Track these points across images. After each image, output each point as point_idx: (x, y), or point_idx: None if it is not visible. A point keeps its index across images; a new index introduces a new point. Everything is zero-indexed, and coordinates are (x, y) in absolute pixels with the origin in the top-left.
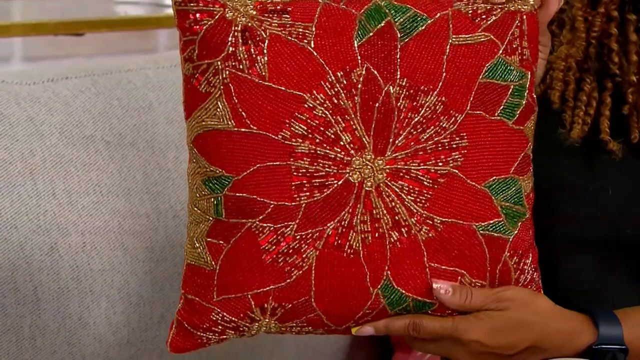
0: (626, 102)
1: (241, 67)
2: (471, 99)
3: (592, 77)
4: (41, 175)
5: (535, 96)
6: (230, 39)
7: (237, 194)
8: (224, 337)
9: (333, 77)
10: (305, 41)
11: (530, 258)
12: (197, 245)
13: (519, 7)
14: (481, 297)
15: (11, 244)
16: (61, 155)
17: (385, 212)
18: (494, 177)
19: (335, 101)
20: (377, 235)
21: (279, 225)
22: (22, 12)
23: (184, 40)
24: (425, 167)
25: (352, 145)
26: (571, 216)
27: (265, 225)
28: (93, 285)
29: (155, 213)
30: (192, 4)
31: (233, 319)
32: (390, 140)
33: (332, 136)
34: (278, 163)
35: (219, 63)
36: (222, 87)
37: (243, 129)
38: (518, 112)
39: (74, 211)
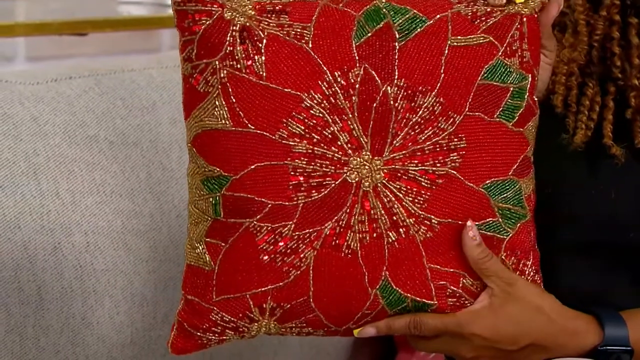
0: (629, 105)
1: (239, 66)
2: (470, 100)
3: (594, 82)
4: (45, 175)
5: (536, 99)
6: (228, 38)
7: (235, 194)
8: (224, 337)
9: (331, 77)
10: (303, 41)
11: (531, 260)
12: (197, 245)
13: (520, 9)
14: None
15: (15, 244)
16: (65, 155)
17: (383, 212)
18: (492, 179)
19: (333, 101)
20: (375, 235)
21: (277, 225)
22: (26, 12)
23: (183, 40)
24: (423, 167)
25: (349, 145)
26: (573, 220)
27: (262, 225)
28: (96, 285)
29: (158, 213)
30: (190, 4)
31: (232, 319)
32: (388, 140)
33: (330, 136)
34: (275, 162)
35: (217, 62)
36: (219, 86)
37: (240, 129)
38: (518, 114)
39: (78, 211)
